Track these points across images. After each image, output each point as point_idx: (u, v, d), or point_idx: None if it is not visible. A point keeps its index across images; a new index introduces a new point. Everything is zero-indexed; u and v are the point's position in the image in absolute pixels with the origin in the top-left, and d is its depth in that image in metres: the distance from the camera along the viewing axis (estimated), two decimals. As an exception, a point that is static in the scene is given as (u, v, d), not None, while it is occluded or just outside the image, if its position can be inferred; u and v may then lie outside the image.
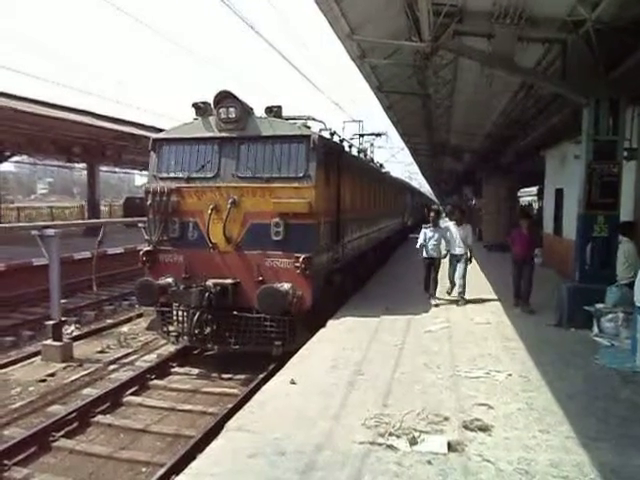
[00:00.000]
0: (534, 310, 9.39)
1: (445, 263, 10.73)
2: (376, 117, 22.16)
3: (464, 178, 34.60)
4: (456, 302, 10.19)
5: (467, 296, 10.35)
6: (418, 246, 10.32)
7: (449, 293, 10.81)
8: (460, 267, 10.25)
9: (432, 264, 10.32)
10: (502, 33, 7.66)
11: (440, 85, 12.51)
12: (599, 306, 7.77)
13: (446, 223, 11.03)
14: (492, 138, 18.69)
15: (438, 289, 10.53)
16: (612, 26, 7.29)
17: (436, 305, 9.95)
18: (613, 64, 7.83)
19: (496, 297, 10.79)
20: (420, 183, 62.62)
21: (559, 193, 14.92)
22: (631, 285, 6.91)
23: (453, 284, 10.61)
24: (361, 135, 20.63)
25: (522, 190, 32.11)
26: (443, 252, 10.45)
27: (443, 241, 10.49)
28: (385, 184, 18.05)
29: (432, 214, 10.68)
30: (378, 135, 21.97)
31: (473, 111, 15.20)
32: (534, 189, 30.01)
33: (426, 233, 10.23)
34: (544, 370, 6.21)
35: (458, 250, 10.31)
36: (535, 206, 30.80)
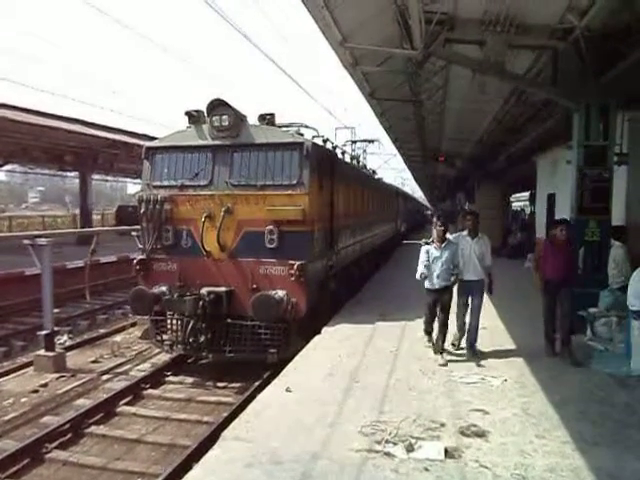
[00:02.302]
0: (580, 361, 6.73)
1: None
2: (369, 124, 22.30)
3: (457, 184, 34.78)
4: (474, 358, 6.95)
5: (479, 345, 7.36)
6: (419, 275, 7.11)
7: (455, 345, 7.51)
8: (475, 302, 7.21)
9: (440, 299, 7.11)
10: (493, 40, 7.73)
11: (432, 92, 12.58)
12: (592, 310, 7.81)
13: (456, 236, 7.43)
14: (484, 144, 18.80)
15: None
16: (601, 33, 7.39)
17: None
18: (602, 70, 7.91)
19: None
20: (413, 189, 62.91)
21: (551, 198, 15.02)
22: (624, 289, 6.96)
23: (462, 330, 7.40)
24: (354, 142, 20.72)
25: (514, 195, 32.38)
26: (452, 278, 7.25)
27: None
28: (378, 190, 18.10)
29: (439, 226, 7.18)
30: (371, 142, 22.10)
31: (465, 117, 15.29)
32: (526, 194, 30.21)
33: (430, 253, 7.04)
34: (539, 375, 6.23)
35: (473, 275, 7.11)
36: (527, 211, 30.99)
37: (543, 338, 7.22)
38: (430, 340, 7.52)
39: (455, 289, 7.32)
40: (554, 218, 10.94)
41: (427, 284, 7.15)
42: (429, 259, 7.03)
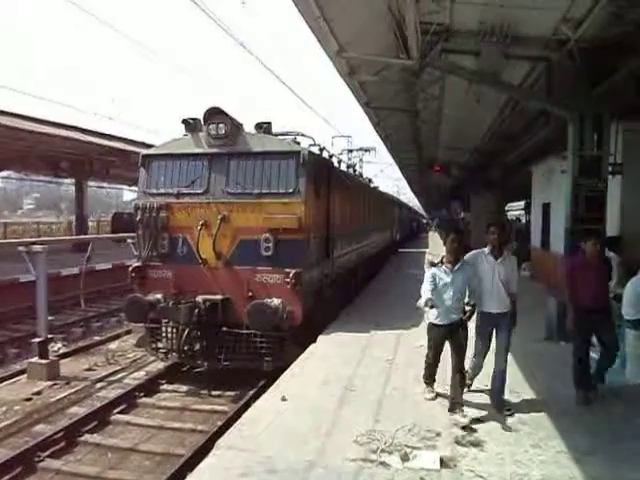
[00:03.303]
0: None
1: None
2: (365, 133, 22.40)
3: (452, 193, 34.92)
4: (501, 415, 5.30)
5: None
6: (422, 302, 5.43)
7: (469, 385, 5.99)
8: (501, 341, 5.54)
9: (452, 337, 5.55)
10: (488, 51, 7.81)
11: (428, 101, 12.66)
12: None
13: (473, 254, 5.73)
14: (480, 153, 18.92)
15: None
16: (595, 45, 7.47)
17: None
18: (597, 81, 7.99)
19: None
20: (409, 198, 63.10)
21: (546, 207, 15.10)
22: (618, 298, 6.97)
23: (477, 371, 5.94)
24: (350, 150, 20.81)
25: (509, 204, 32.51)
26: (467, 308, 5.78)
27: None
28: (374, 199, 18.15)
29: (453, 241, 5.59)
30: (367, 150, 22.21)
31: (461, 127, 15.38)
32: (521, 203, 30.34)
33: (437, 277, 5.50)
34: (534, 384, 6.23)
35: (497, 306, 5.51)
36: (523, 220, 31.11)
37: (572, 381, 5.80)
38: (432, 391, 5.87)
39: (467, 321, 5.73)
40: (581, 234, 7.44)
41: (432, 317, 5.59)
42: (436, 285, 5.45)
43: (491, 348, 5.69)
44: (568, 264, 6.36)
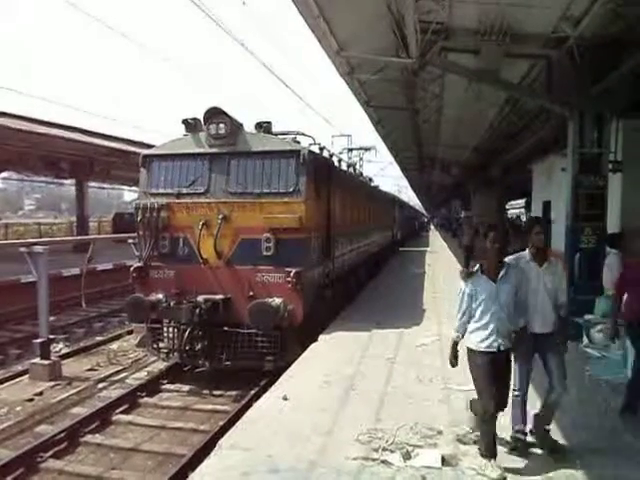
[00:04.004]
0: None
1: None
2: (365, 131, 22.40)
3: (453, 191, 34.92)
4: (554, 454, 4.39)
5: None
6: (459, 330, 4.41)
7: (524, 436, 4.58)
8: (552, 367, 4.49)
9: (495, 367, 4.23)
10: (488, 49, 7.81)
11: (428, 100, 12.67)
12: (588, 317, 7.81)
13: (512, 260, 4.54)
14: (480, 151, 18.93)
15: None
16: (594, 42, 7.47)
17: None
18: (596, 79, 7.99)
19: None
20: (409, 196, 63.10)
21: (547, 206, 15.08)
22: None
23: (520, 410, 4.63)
24: (350, 149, 20.81)
25: (510, 203, 32.52)
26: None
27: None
28: (374, 198, 18.14)
29: (492, 241, 4.31)
30: (367, 149, 22.22)
31: (461, 125, 15.39)
32: (522, 201, 30.36)
33: (476, 291, 4.30)
34: (535, 382, 6.22)
35: (544, 325, 4.50)
36: (523, 218, 31.12)
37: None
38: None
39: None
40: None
41: (474, 341, 4.28)
42: (474, 300, 4.28)
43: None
44: (624, 274, 5.53)
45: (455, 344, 4.45)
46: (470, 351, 4.34)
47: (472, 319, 4.33)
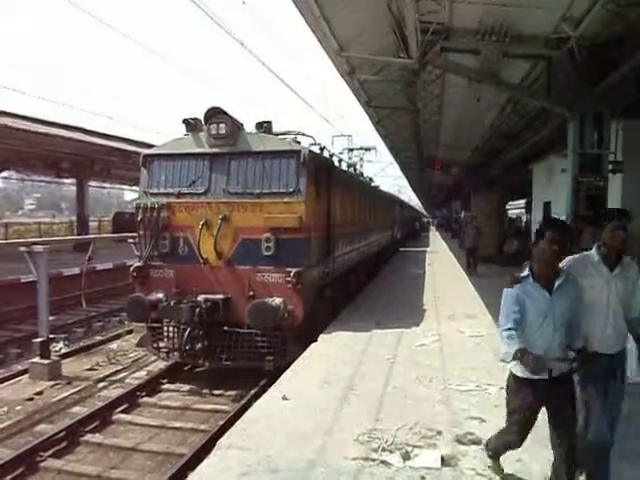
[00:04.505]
0: None
1: None
2: (365, 131, 22.40)
3: (453, 191, 34.92)
4: None
5: None
6: (509, 351, 3.30)
7: None
8: (614, 396, 3.67)
9: (551, 399, 3.46)
10: (488, 50, 7.81)
11: (428, 100, 12.68)
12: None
13: (572, 262, 3.70)
14: (480, 152, 18.92)
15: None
16: (595, 43, 7.48)
17: None
18: (597, 79, 7.99)
19: None
20: (409, 197, 63.12)
21: (547, 206, 15.10)
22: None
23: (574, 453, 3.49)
24: (350, 150, 20.81)
25: (510, 203, 32.52)
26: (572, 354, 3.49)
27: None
28: (375, 198, 18.15)
29: (551, 241, 3.31)
30: (367, 149, 22.23)
31: (461, 125, 15.40)
32: (522, 202, 30.37)
33: (525, 302, 3.41)
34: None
35: (614, 343, 3.64)
36: (524, 219, 31.13)
37: None
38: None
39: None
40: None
41: (520, 367, 3.40)
42: (522, 312, 3.41)
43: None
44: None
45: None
46: (512, 376, 3.58)
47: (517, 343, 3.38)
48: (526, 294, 3.42)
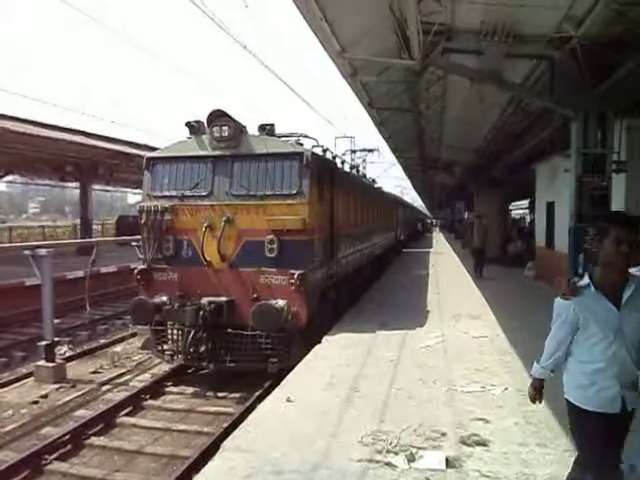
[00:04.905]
0: None
1: None
2: (368, 133, 22.39)
3: (456, 192, 34.86)
4: None
5: None
6: (548, 366, 3.06)
7: None
8: None
9: (621, 433, 2.92)
10: (490, 50, 7.80)
11: (431, 101, 12.66)
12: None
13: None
14: (483, 152, 18.89)
15: None
16: (597, 42, 7.46)
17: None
18: (600, 78, 7.98)
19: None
20: (412, 198, 63.10)
21: (550, 206, 15.06)
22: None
23: None
24: (353, 151, 20.82)
25: (513, 203, 32.44)
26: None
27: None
28: (378, 199, 18.14)
29: (616, 242, 2.71)
30: (370, 151, 22.26)
31: (464, 126, 15.37)
32: (525, 202, 30.28)
33: (583, 315, 2.83)
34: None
35: None
36: (527, 219, 31.06)
37: None
38: None
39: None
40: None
41: (580, 395, 2.90)
42: (580, 329, 2.90)
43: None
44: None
45: (541, 384, 3.13)
46: (574, 408, 2.93)
47: (572, 357, 2.94)
48: (586, 307, 2.83)
